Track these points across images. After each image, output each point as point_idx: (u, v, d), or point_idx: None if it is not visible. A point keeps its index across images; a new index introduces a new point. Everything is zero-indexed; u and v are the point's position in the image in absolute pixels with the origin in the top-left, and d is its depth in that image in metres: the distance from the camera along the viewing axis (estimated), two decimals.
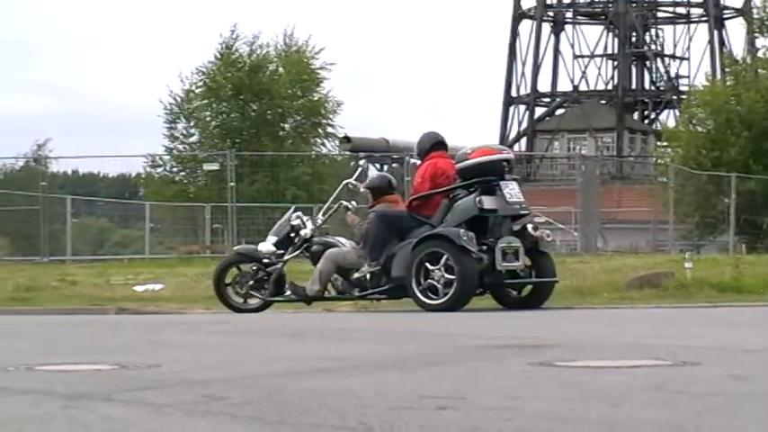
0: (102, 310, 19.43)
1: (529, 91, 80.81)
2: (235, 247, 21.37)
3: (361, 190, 19.52)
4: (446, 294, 17.54)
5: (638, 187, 56.53)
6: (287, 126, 53.66)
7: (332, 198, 20.03)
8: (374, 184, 19.59)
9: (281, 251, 19.25)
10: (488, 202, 17.81)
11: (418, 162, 20.07)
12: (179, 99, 53.54)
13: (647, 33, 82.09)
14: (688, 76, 78.31)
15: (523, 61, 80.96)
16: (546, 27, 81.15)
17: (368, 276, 18.39)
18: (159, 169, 52.73)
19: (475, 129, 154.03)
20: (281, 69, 54.27)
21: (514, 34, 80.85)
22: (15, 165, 53.03)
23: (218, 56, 54.07)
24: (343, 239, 19.58)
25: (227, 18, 77.93)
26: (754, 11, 58.28)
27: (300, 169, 49.71)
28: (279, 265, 19.21)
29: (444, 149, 19.23)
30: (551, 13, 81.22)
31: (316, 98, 54.25)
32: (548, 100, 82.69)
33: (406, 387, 8.27)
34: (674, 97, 74.35)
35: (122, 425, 6.83)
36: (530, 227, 18.39)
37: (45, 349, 11.70)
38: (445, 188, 18.29)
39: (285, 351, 11.42)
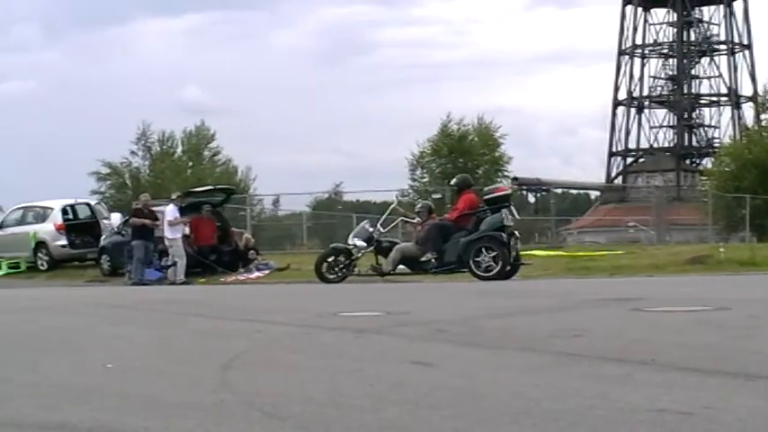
0: (373, 280, 19.29)
1: (623, 147, 79.56)
2: (331, 245, 20.75)
3: (417, 209, 19.58)
4: (491, 270, 17.67)
5: (689, 204, 55.18)
6: (480, 171, 53.38)
7: (386, 214, 20.03)
8: (425, 209, 19.52)
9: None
10: (505, 219, 18.03)
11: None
12: (416, 156, 54.10)
13: (693, 112, 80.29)
14: (719, 138, 76.19)
15: (619, 130, 79.64)
16: (632, 110, 79.81)
17: (432, 261, 18.23)
18: (406, 198, 53.16)
19: (591, 170, 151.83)
20: (476, 138, 54.38)
21: (614, 114, 79.55)
22: (323, 196, 53.90)
23: (440, 131, 54.52)
24: (397, 239, 19.69)
25: (445, 109, 79.00)
26: (759, 98, 56.84)
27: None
28: (359, 255, 18.91)
29: (471, 187, 19.64)
30: (636, 102, 79.78)
31: (497, 154, 54.28)
32: (634, 153, 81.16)
33: (551, 323, 8.19)
34: (710, 150, 72.42)
35: (390, 347, 6.85)
36: (516, 232, 18.60)
37: (343, 303, 11.84)
38: (475, 210, 18.37)
39: (480, 303, 11.39)
